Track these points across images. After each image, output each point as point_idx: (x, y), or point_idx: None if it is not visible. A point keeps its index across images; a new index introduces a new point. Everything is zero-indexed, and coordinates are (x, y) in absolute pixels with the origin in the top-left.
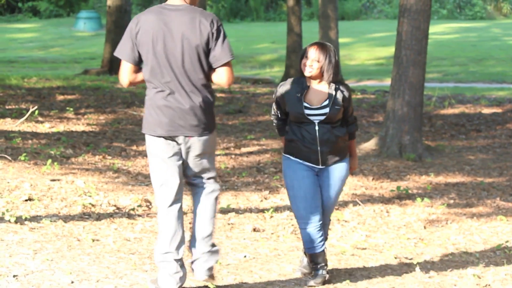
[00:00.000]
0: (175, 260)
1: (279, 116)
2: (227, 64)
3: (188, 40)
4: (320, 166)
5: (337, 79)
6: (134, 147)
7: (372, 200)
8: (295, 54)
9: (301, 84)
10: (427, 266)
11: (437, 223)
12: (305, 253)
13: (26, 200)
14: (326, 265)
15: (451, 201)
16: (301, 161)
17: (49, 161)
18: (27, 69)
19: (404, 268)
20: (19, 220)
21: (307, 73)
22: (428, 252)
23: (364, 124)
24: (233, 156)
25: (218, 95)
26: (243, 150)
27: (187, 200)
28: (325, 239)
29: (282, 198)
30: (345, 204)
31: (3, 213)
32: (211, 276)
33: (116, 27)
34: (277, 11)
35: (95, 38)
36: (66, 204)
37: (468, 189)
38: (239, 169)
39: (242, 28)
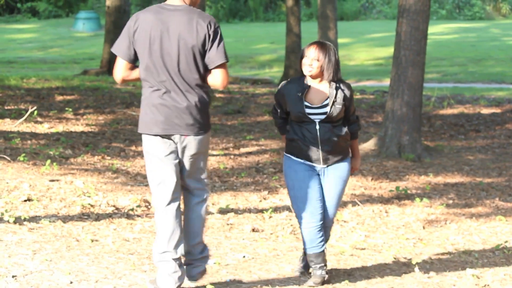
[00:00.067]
0: (174, 259)
1: (280, 115)
2: (222, 66)
3: (185, 40)
4: (322, 166)
5: (338, 78)
6: (133, 148)
7: (371, 200)
8: (294, 54)
9: (301, 83)
10: (426, 266)
11: (436, 223)
12: (304, 253)
13: (25, 201)
14: (325, 265)
15: (450, 201)
16: (302, 160)
17: (48, 161)
18: (26, 69)
19: (403, 268)
20: (18, 220)
21: (307, 72)
22: (427, 252)
23: (363, 124)
24: (232, 156)
25: (217, 95)
26: (242, 150)
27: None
28: (326, 240)
29: (281, 198)
30: (344, 204)
31: (2, 214)
32: (201, 274)
33: (115, 28)
34: (276, 11)
35: (94, 38)
36: (65, 205)
37: (467, 189)
38: (238, 169)
39: (241, 28)
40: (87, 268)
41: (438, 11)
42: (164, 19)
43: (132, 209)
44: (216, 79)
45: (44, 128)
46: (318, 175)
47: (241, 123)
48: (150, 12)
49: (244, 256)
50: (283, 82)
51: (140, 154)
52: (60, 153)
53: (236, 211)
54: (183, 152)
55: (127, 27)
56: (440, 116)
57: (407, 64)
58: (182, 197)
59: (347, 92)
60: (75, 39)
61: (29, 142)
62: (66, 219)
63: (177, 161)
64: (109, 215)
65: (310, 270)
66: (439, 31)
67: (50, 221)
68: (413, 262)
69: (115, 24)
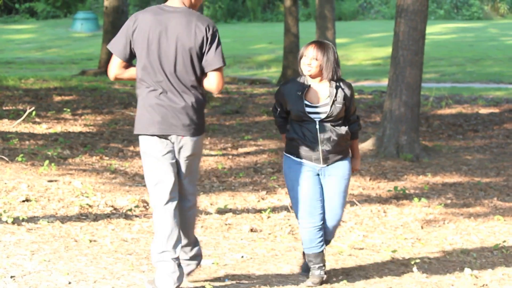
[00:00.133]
0: (172, 259)
1: (280, 114)
2: (218, 69)
3: (182, 42)
4: (322, 165)
5: (338, 77)
6: (131, 148)
7: (369, 200)
8: (292, 54)
9: (302, 82)
10: (424, 266)
11: (434, 223)
12: (303, 252)
13: (23, 201)
14: (324, 265)
15: (448, 201)
16: (302, 160)
17: (46, 162)
18: (24, 70)
19: (401, 268)
20: (16, 221)
21: (306, 72)
22: (425, 252)
23: (361, 124)
24: (230, 156)
25: (215, 95)
26: (240, 150)
27: None
28: (328, 242)
29: (279, 198)
30: None
31: (0, 214)
32: (190, 274)
33: (113, 28)
34: (274, 11)
35: (92, 39)
36: (63, 205)
37: (465, 189)
38: (236, 169)
39: (239, 28)
40: (86, 268)
41: (436, 11)
42: (163, 20)
43: (130, 210)
44: (211, 82)
45: (42, 128)
46: (318, 175)
47: (239, 123)
48: (149, 13)
49: (242, 256)
50: (284, 81)
51: (138, 154)
52: (58, 154)
53: (234, 211)
54: (179, 153)
55: (126, 26)
56: (438, 116)
57: (405, 64)
58: None
59: (348, 92)
60: (73, 39)
61: (27, 142)
62: (64, 219)
63: (174, 160)
64: (107, 216)
65: (309, 270)
66: (437, 31)
67: (48, 222)
68: (412, 262)
69: (113, 25)
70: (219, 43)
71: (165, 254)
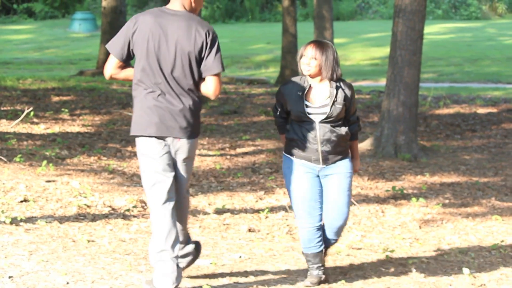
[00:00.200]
0: (171, 258)
1: (281, 114)
2: (216, 75)
3: (182, 46)
4: (321, 166)
5: (338, 77)
6: (129, 148)
7: (367, 200)
8: (290, 54)
9: (302, 83)
10: (423, 266)
11: (432, 223)
12: (303, 252)
13: (21, 201)
14: (323, 265)
15: (446, 201)
16: (301, 161)
17: (44, 162)
18: (22, 70)
19: (399, 268)
20: (14, 221)
21: (306, 71)
22: (423, 252)
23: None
24: (228, 156)
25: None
26: (238, 150)
27: None
28: (335, 241)
29: (277, 198)
30: None
31: None
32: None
33: (111, 28)
34: (272, 11)
35: (90, 39)
36: (62, 205)
37: (463, 189)
38: (234, 169)
39: (237, 28)
40: (84, 268)
41: (434, 11)
42: (163, 22)
43: (128, 210)
44: (209, 87)
45: (40, 129)
46: (318, 176)
47: (237, 123)
48: (150, 15)
49: (240, 256)
50: (284, 81)
51: (136, 154)
52: (56, 154)
53: (232, 211)
54: (175, 155)
55: (126, 27)
56: (436, 116)
57: (403, 64)
58: None
59: (348, 92)
60: (71, 40)
61: (25, 143)
62: (62, 219)
63: (171, 162)
64: (105, 216)
65: (307, 270)
66: (435, 31)
67: (46, 222)
68: (410, 261)
69: (111, 25)
70: (218, 49)
71: (164, 253)
